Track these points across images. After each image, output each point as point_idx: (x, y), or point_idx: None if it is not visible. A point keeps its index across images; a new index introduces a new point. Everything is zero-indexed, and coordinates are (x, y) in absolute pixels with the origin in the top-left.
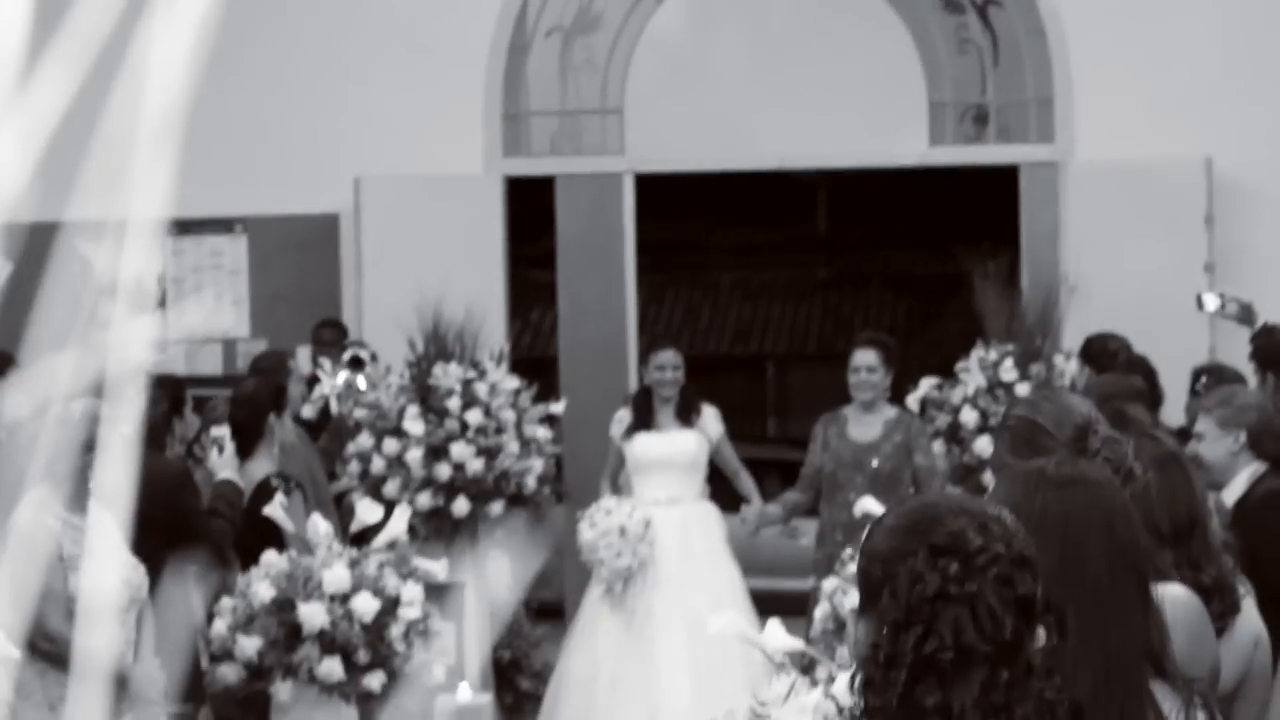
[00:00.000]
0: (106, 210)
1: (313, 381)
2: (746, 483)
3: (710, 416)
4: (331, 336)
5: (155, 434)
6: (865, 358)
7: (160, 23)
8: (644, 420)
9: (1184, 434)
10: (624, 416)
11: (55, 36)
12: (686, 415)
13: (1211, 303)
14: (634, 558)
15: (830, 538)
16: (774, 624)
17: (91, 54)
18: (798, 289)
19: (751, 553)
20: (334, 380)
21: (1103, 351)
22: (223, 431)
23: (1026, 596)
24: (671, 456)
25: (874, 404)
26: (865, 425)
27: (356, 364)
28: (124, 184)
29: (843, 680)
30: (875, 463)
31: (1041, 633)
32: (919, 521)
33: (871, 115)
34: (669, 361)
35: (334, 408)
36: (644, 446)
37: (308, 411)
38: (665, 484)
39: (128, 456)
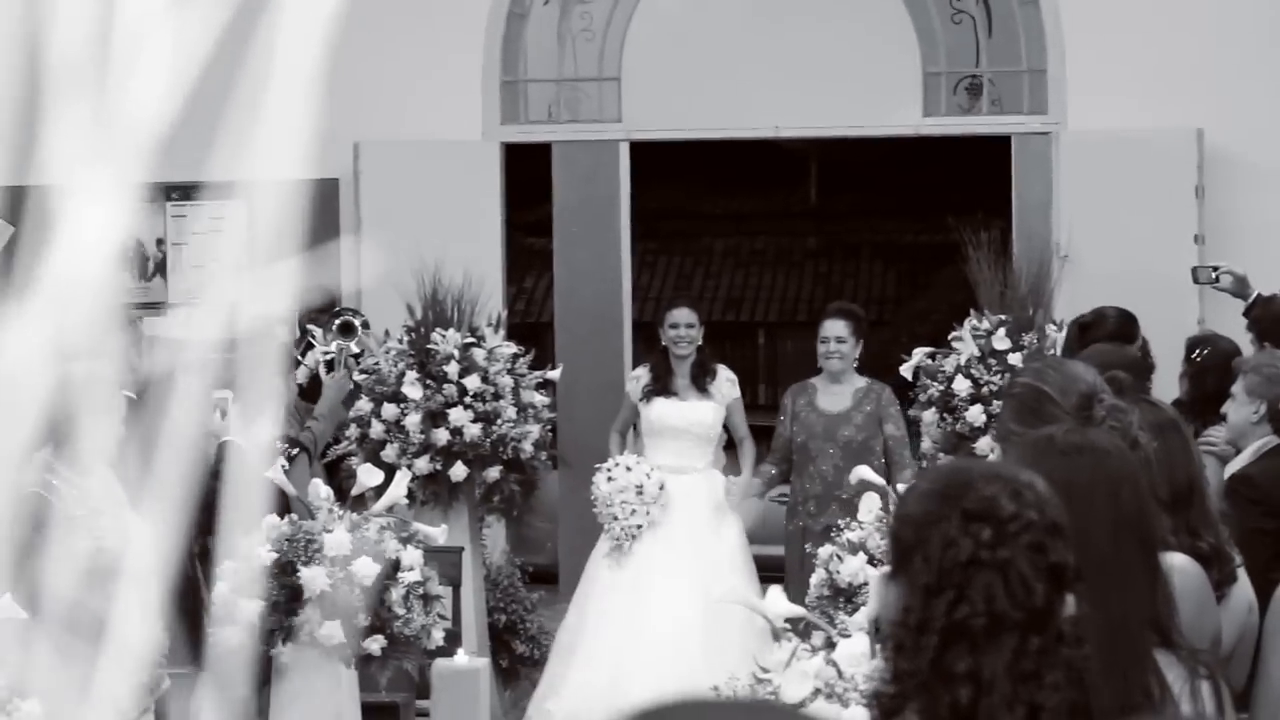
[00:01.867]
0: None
1: (305, 348)
2: (747, 453)
3: (725, 380)
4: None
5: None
6: (835, 328)
7: None
8: (663, 384)
9: (1177, 405)
10: (642, 374)
11: None
12: (702, 378)
13: (1206, 274)
14: (645, 518)
15: (802, 509)
16: (775, 591)
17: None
18: (789, 257)
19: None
20: (326, 346)
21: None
22: (224, 395)
23: (1058, 564)
24: (687, 426)
25: (843, 374)
26: (834, 396)
27: (347, 330)
28: (253, 143)
29: (844, 646)
30: (846, 433)
31: (1071, 600)
32: (951, 486)
33: (866, 85)
34: (683, 319)
35: (323, 374)
36: (661, 413)
37: (300, 376)
38: (677, 452)
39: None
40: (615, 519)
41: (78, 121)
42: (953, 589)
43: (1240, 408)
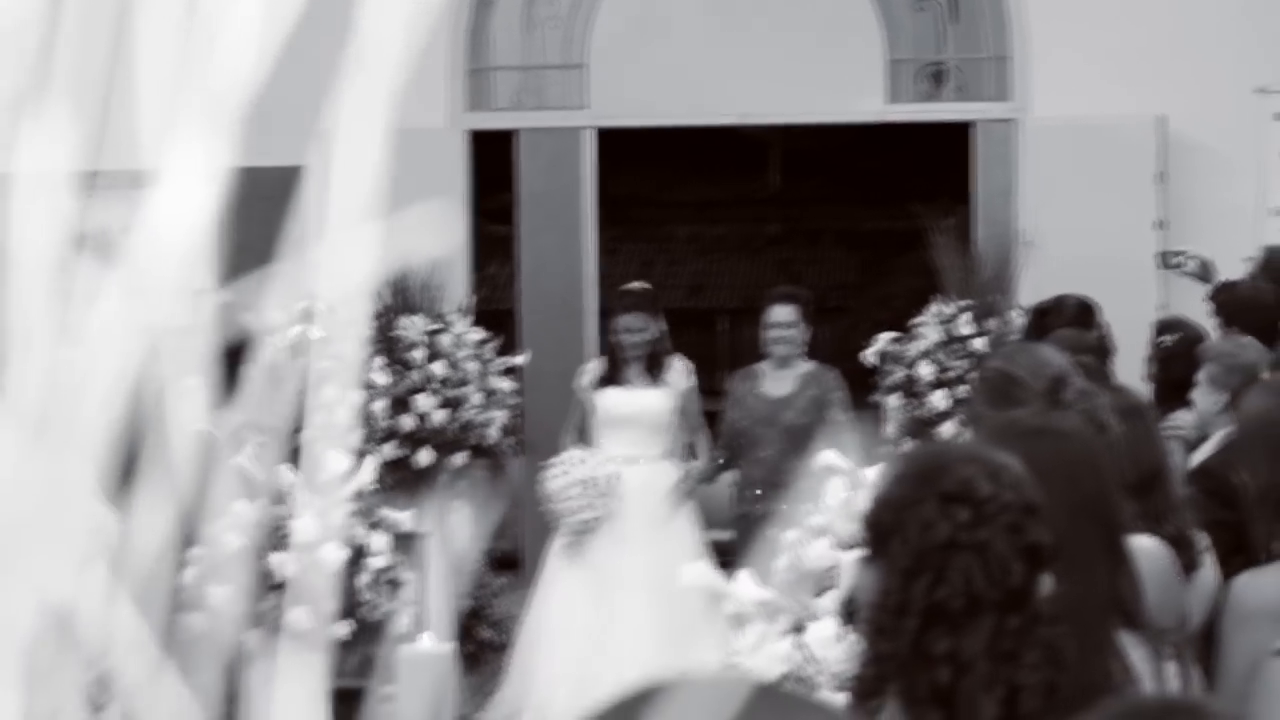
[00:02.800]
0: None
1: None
2: (702, 442)
3: (679, 370)
4: None
5: None
6: (780, 313)
7: None
8: (613, 374)
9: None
10: (593, 367)
11: None
12: (653, 371)
13: (1172, 259)
14: (600, 511)
15: (747, 495)
16: (744, 575)
17: None
18: (750, 244)
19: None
20: (286, 332)
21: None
22: (194, 383)
23: (1035, 544)
24: (638, 414)
25: (790, 359)
26: (779, 381)
27: (309, 316)
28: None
29: (814, 630)
30: (789, 417)
31: (1047, 580)
32: (929, 468)
33: (830, 72)
34: (629, 325)
35: (283, 361)
36: (612, 402)
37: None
38: (629, 441)
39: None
40: (568, 514)
41: (167, 94)
42: (931, 571)
43: (1204, 396)
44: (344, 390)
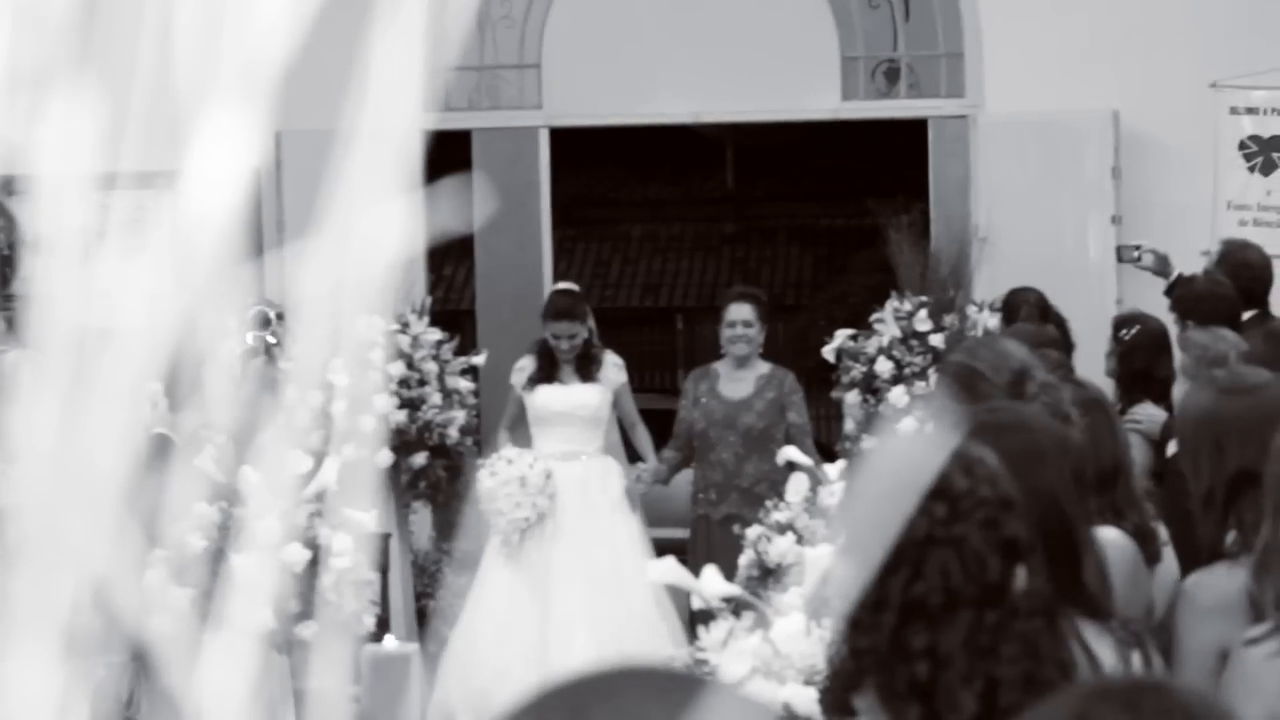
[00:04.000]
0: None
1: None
2: (642, 438)
3: (611, 366)
4: None
5: None
6: (740, 312)
7: None
8: (545, 371)
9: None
10: (525, 365)
11: None
12: (586, 369)
13: (1129, 254)
14: (533, 510)
15: (703, 498)
16: (710, 570)
17: None
18: (706, 243)
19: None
20: (242, 338)
21: (1019, 304)
22: (156, 387)
23: (1010, 538)
24: (572, 410)
25: (747, 360)
26: (737, 382)
27: (264, 321)
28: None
29: (781, 625)
30: (747, 420)
31: (1023, 573)
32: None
33: (784, 70)
34: (563, 331)
35: (239, 364)
36: (545, 399)
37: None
38: (565, 438)
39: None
40: (501, 514)
41: (206, 61)
42: (909, 566)
43: (1178, 388)
44: (304, 391)
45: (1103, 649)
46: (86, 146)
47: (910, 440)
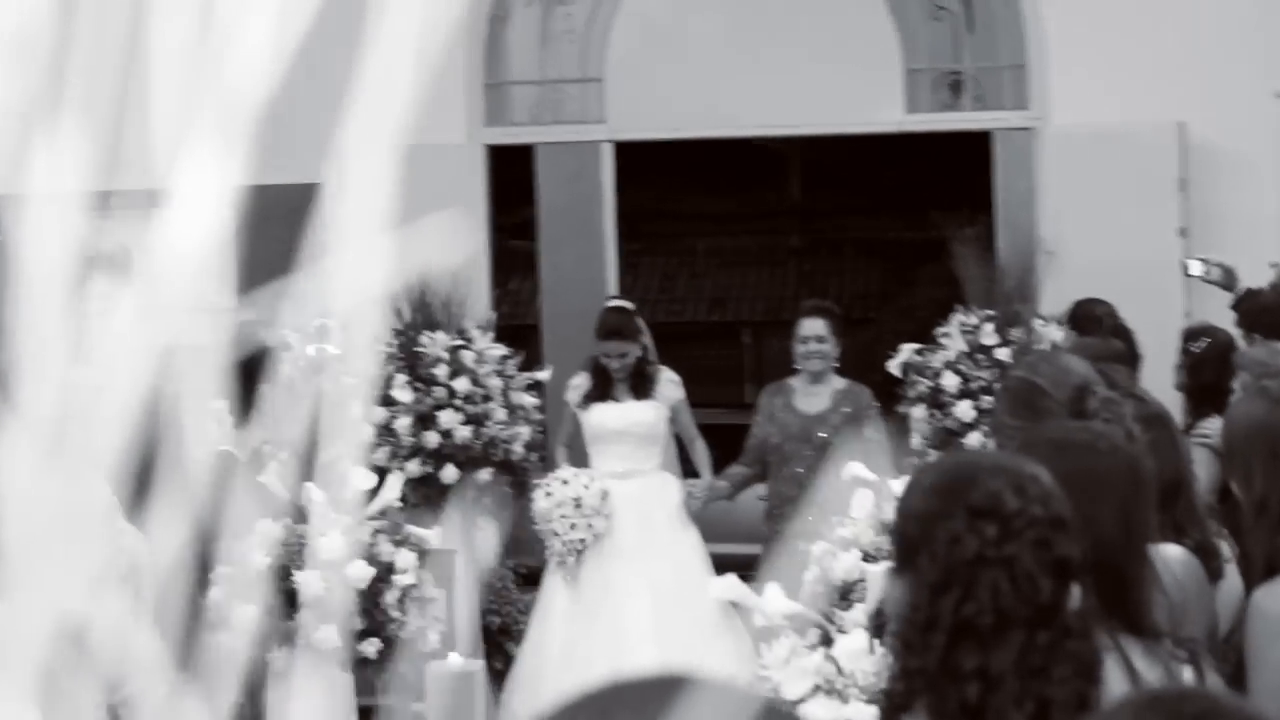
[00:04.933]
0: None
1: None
2: (701, 454)
3: (668, 382)
4: None
5: None
6: (813, 327)
7: None
8: (600, 389)
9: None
10: (580, 383)
11: None
12: (641, 388)
13: (1196, 268)
14: (589, 531)
15: (777, 513)
16: (773, 587)
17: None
18: (772, 256)
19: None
20: (303, 351)
21: (1086, 316)
22: (220, 404)
23: (1063, 558)
24: (628, 428)
25: (822, 375)
26: (813, 397)
27: (324, 334)
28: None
29: (843, 643)
30: (823, 435)
31: (1077, 593)
32: (956, 482)
33: (847, 83)
34: (613, 351)
35: (299, 379)
36: (600, 418)
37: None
38: (621, 456)
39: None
40: (556, 535)
41: (178, 110)
42: (959, 586)
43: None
44: (366, 406)
45: (1151, 668)
46: (70, 174)
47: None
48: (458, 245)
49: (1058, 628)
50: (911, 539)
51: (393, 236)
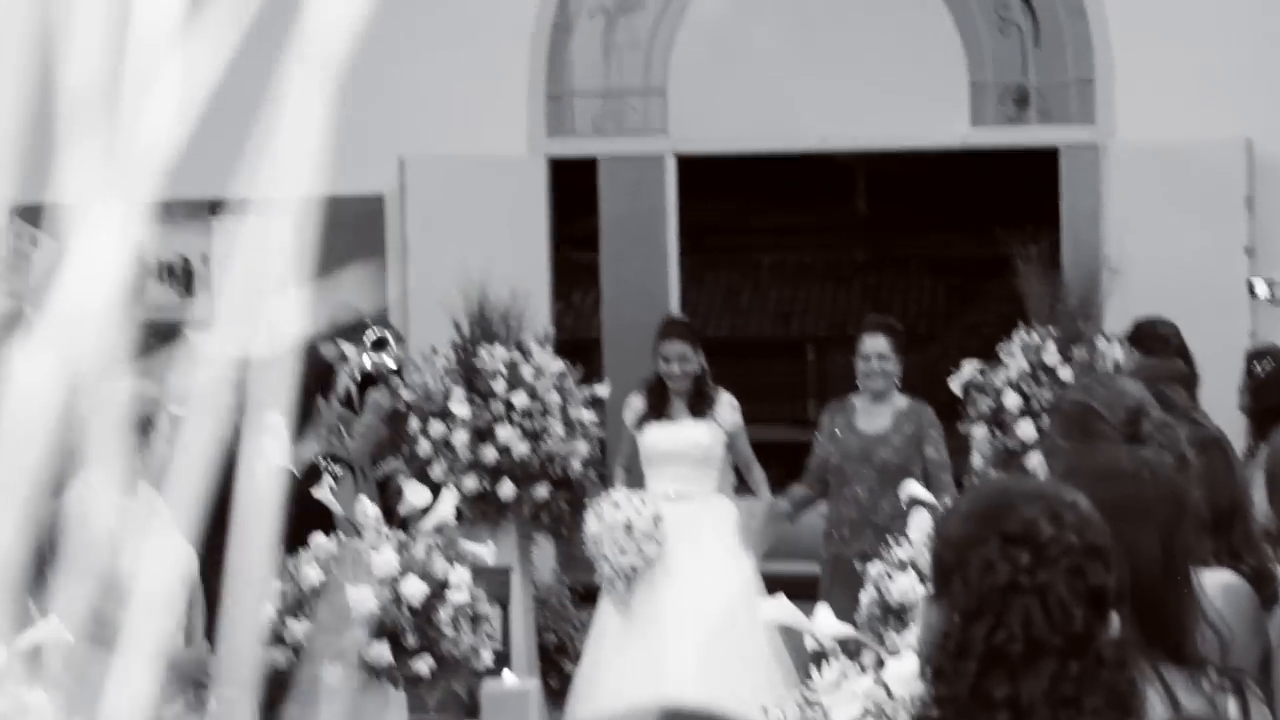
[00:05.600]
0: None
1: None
2: (757, 477)
3: (726, 405)
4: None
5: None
6: (876, 344)
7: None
8: (656, 409)
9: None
10: (636, 403)
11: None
12: (698, 405)
13: (1262, 289)
14: (640, 556)
15: (836, 535)
16: (823, 610)
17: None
18: (837, 271)
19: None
20: (359, 363)
21: (1151, 335)
22: (276, 419)
23: (1098, 587)
24: (682, 449)
25: (885, 393)
26: (874, 416)
27: (381, 345)
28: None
29: (893, 666)
30: (884, 455)
31: (1114, 622)
32: (992, 508)
33: (912, 96)
34: (674, 353)
35: (354, 391)
36: (655, 438)
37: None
38: (676, 478)
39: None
40: (606, 560)
41: (89, 147)
42: (991, 614)
43: None
44: (424, 422)
45: (1194, 699)
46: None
47: None
48: (369, 296)
49: (1091, 657)
50: (946, 565)
51: (306, 288)
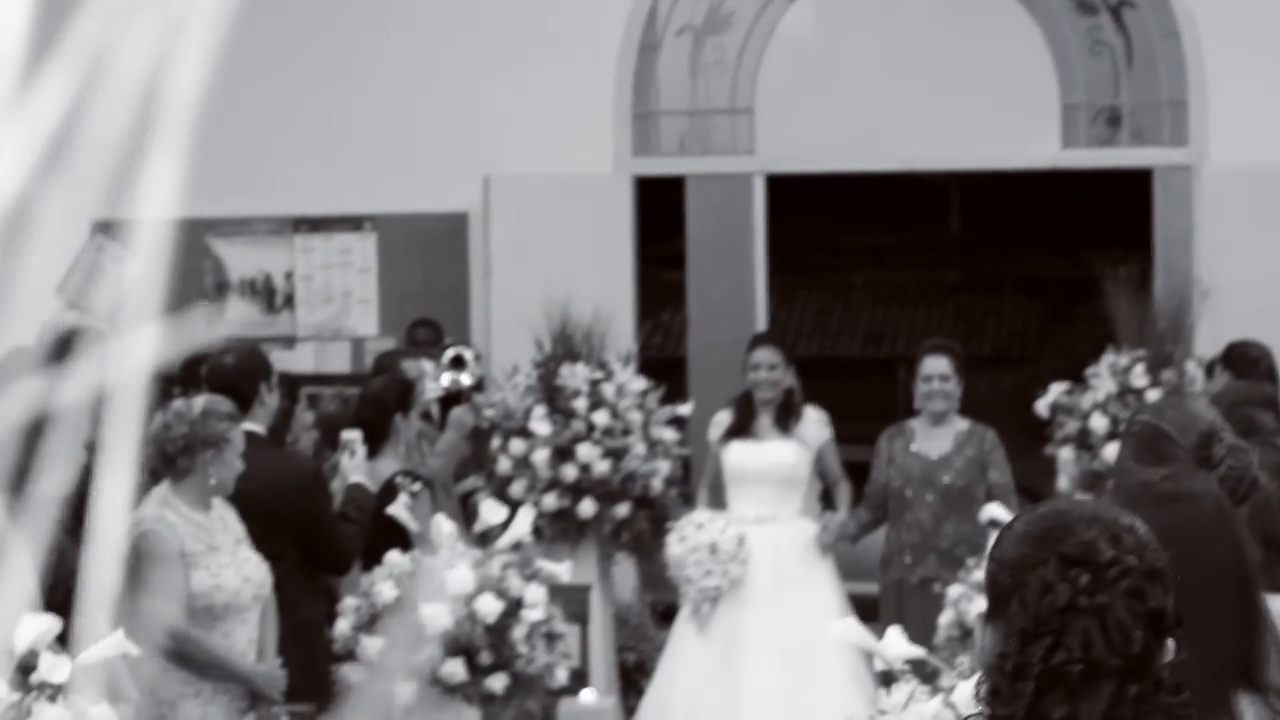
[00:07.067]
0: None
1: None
2: (844, 495)
3: (813, 421)
4: (427, 336)
5: (275, 432)
6: (937, 365)
7: (165, 23)
8: (742, 425)
9: None
10: (722, 419)
11: (58, 37)
12: (785, 420)
13: None
14: (724, 578)
15: (897, 560)
16: (894, 632)
17: (93, 56)
18: (929, 292)
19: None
20: (438, 381)
21: (1243, 358)
22: (354, 435)
23: (1157, 610)
24: (766, 469)
25: (945, 416)
26: (935, 439)
27: (458, 363)
28: (134, 184)
29: (963, 688)
30: (946, 479)
31: (1171, 646)
32: (1051, 530)
33: (1003, 117)
34: (764, 360)
35: (434, 410)
36: (738, 457)
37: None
38: (759, 499)
39: (255, 454)
40: (690, 582)
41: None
42: (1049, 635)
43: None
44: (505, 440)
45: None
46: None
47: None
48: (218, 333)
49: (1150, 680)
50: (1003, 586)
51: (159, 323)
